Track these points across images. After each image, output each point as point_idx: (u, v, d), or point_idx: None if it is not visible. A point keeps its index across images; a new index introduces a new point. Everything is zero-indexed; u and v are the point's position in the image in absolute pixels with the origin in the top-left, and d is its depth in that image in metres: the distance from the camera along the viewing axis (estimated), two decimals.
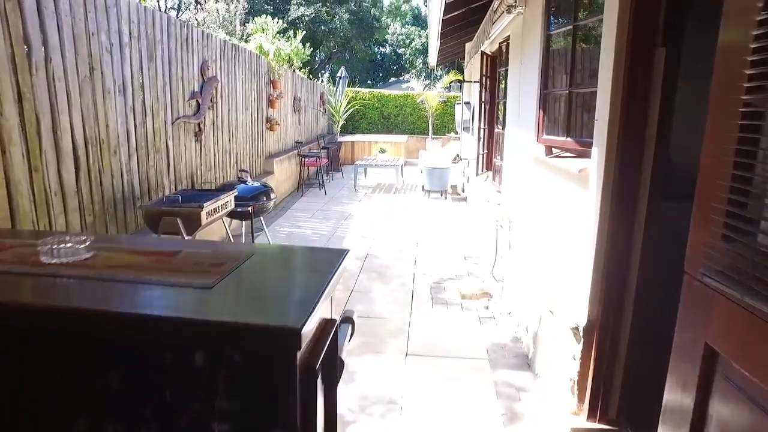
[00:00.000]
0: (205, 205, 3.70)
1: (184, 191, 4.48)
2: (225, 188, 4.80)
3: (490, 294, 4.68)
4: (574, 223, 2.54)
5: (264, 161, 8.36)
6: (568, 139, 2.70)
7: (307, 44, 13.16)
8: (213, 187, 5.40)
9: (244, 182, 4.97)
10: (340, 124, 13.01)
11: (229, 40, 9.77)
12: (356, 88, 17.20)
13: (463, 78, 10.75)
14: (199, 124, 5.59)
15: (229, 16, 13.17)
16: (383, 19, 40.83)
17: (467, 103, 8.87)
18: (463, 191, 9.82)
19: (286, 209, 8.40)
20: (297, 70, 12.38)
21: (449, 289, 4.83)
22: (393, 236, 6.76)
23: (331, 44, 27.34)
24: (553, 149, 3.09)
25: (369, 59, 36.44)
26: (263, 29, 10.44)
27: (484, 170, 6.81)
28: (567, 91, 2.71)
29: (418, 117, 17.18)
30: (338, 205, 8.79)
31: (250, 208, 4.71)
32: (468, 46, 9.41)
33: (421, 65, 45.83)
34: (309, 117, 12.65)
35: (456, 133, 16.53)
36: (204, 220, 3.69)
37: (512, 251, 4.18)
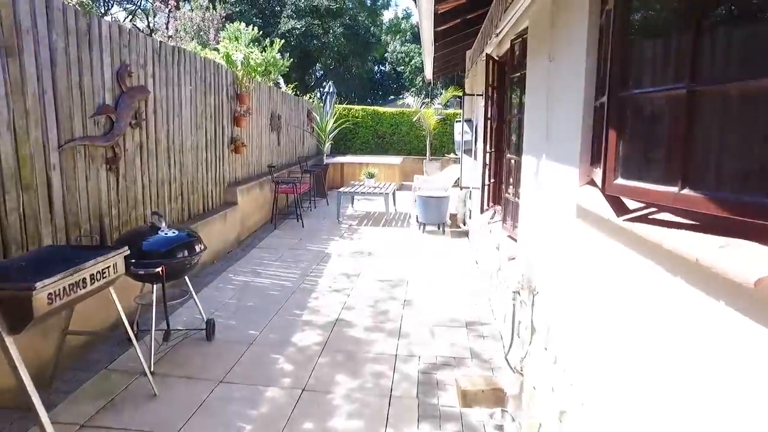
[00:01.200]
0: (45, 282, 2.28)
1: (48, 249, 3.05)
2: (124, 241, 3.38)
3: (503, 392, 3.23)
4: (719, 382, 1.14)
5: (225, 190, 6.96)
6: (691, 193, 1.28)
7: (292, 59, 11.90)
8: (105, 240, 3.98)
9: (158, 230, 3.55)
10: (326, 145, 11.70)
11: (199, 50, 8.49)
12: (348, 105, 15.95)
13: (464, 92, 9.41)
14: (113, 148, 4.20)
15: (206, 25, 11.94)
16: (383, 37, 40.06)
17: (468, 121, 7.51)
18: (464, 224, 8.40)
19: (252, 247, 6.98)
20: (276, 84, 11.09)
21: (445, 383, 3.38)
22: (375, 289, 5.33)
23: (329, 61, 26.28)
24: (625, 200, 1.69)
25: (367, 77, 35.41)
26: (236, 37, 9.16)
27: (491, 205, 5.40)
28: (684, 90, 1.31)
29: (415, 136, 15.86)
30: (315, 242, 7.37)
31: (159, 270, 3.28)
32: (468, 54, 8.08)
33: (420, 83, 44.99)
34: (292, 137, 11.31)
35: (455, 154, 15.20)
36: (42, 308, 2.26)
37: (546, 348, 2.74)
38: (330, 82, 13.19)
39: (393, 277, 5.75)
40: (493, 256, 4.72)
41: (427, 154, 14.49)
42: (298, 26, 19.37)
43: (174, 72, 5.29)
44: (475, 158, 7.18)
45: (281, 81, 11.80)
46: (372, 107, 16.24)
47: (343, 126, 12.52)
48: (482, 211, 5.40)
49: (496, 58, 5.16)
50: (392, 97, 35.90)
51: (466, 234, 8.00)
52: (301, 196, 9.49)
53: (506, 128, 4.88)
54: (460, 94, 13.87)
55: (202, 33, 11.65)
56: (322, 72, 30.03)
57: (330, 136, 11.66)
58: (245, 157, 7.93)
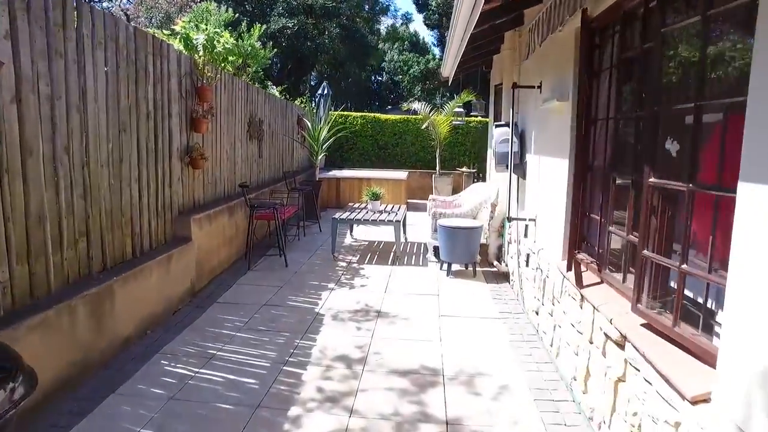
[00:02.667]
0: None
1: None
2: None
3: None
4: None
5: (173, 221, 4.90)
6: None
7: (289, 65, 9.94)
8: None
9: None
10: (320, 157, 9.70)
11: (158, 33, 6.46)
12: (345, 112, 13.96)
13: (495, 88, 7.45)
14: None
15: (174, 13, 9.96)
16: (380, 46, 38.38)
17: (502, 125, 5.51)
18: (498, 260, 6.36)
19: (212, 301, 4.90)
20: (262, 84, 9.08)
21: None
22: (393, 396, 3.26)
23: (324, 67, 24.38)
24: None
25: (364, 85, 33.54)
26: (204, 19, 7.15)
27: (574, 252, 3.38)
28: None
29: (422, 147, 13.87)
30: (302, 292, 5.30)
31: None
32: (508, 39, 6.12)
33: (420, 92, 43.28)
34: (278, 147, 9.28)
35: (470, 168, 13.21)
36: None
37: None
38: (325, 83, 11.21)
39: (418, 363, 3.69)
40: (580, 341, 2.67)
41: (437, 168, 12.49)
42: (290, 25, 17.42)
43: (69, 40, 3.26)
44: (524, 177, 5.16)
45: (274, 89, 9.80)
46: (372, 114, 14.27)
47: (340, 135, 10.54)
48: (570, 267, 3.34)
49: (594, 19, 3.16)
50: (389, 107, 34.15)
51: (505, 277, 5.96)
52: (286, 223, 7.43)
53: (596, 133, 2.86)
54: (473, 98, 11.92)
55: (171, 18, 9.65)
56: (316, 81, 28.13)
57: (324, 147, 9.67)
58: (209, 174, 5.88)
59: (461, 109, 8.65)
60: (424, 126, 12.12)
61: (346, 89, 28.92)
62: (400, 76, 42.75)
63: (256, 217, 6.39)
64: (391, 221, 6.60)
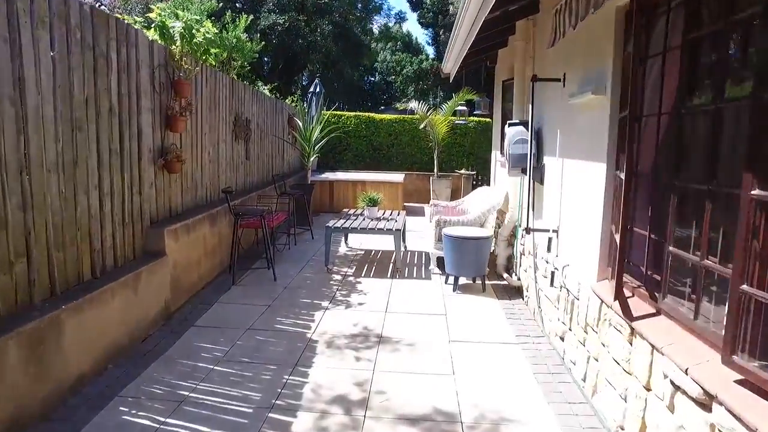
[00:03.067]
0: None
1: None
2: None
3: None
4: None
5: (144, 233, 4.27)
6: None
7: (279, 64, 9.32)
8: None
9: None
10: (312, 159, 9.08)
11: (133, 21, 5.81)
12: (338, 111, 13.36)
13: (491, 86, 6.90)
14: None
15: (155, 1, 9.31)
16: (373, 46, 37.87)
17: (516, 124, 4.92)
18: (508, 272, 5.79)
19: (189, 324, 4.28)
20: (251, 81, 8.47)
21: None
22: None
23: (316, 66, 23.72)
24: None
25: (357, 85, 32.97)
26: (184, 7, 6.53)
27: (621, 276, 2.81)
28: None
29: (419, 148, 13.29)
30: (292, 313, 4.69)
31: None
32: (520, 29, 5.54)
33: (413, 93, 42.86)
34: (267, 148, 8.66)
35: (469, 170, 12.65)
36: None
37: None
38: (317, 80, 10.60)
39: (430, 405, 3.09)
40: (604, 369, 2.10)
41: (435, 170, 11.91)
42: (281, 21, 16.75)
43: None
44: (541, 182, 4.59)
45: (264, 88, 9.17)
46: (366, 114, 13.67)
47: (333, 135, 9.93)
48: (617, 294, 2.76)
49: None
50: (382, 107, 33.64)
51: (518, 292, 5.39)
52: (276, 231, 6.82)
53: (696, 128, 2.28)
54: (472, 97, 11.36)
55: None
56: (308, 80, 27.42)
57: (316, 148, 9.06)
58: (188, 178, 5.26)
59: (464, 108, 8.06)
60: (422, 126, 11.54)
61: (338, 89, 28.33)
62: (393, 77, 42.29)
63: (241, 226, 5.77)
64: (391, 230, 5.99)
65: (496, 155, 7.59)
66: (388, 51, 44.53)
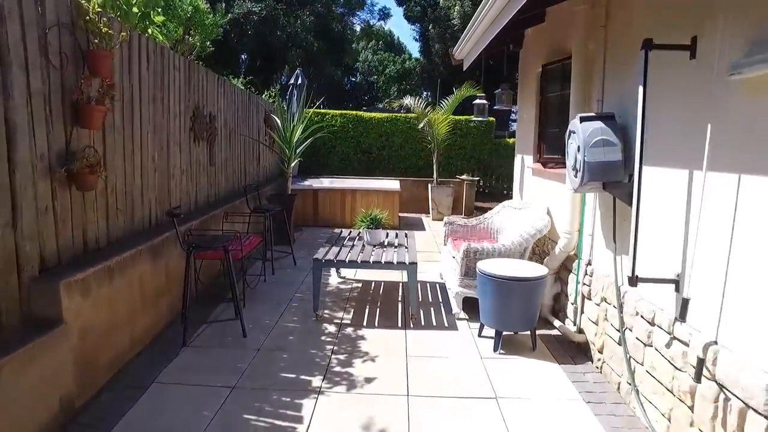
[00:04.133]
0: None
1: None
2: None
3: None
4: None
5: (24, 290, 2.65)
6: None
7: (249, 51, 7.73)
8: None
9: None
10: (293, 164, 7.49)
11: None
12: (321, 110, 11.78)
13: (509, 75, 5.46)
14: None
15: None
16: (354, 45, 36.51)
17: (593, 119, 3.41)
18: (559, 315, 4.28)
19: None
20: (233, 75, 6.88)
21: None
22: None
23: (297, 62, 22.05)
24: None
25: (338, 85, 31.37)
26: None
27: None
28: None
29: (413, 150, 11.78)
30: (266, 403, 3.10)
31: None
32: None
33: (396, 93, 41.60)
34: (238, 152, 7.04)
35: (471, 176, 11.18)
36: None
37: None
38: (299, 71, 8.97)
39: None
40: None
41: (434, 176, 10.40)
42: (257, 10, 15.08)
43: None
44: (630, 202, 3.06)
45: (239, 84, 7.52)
46: (354, 112, 12.12)
47: (318, 136, 8.36)
48: None
49: None
50: (364, 108, 32.21)
51: (578, 348, 3.90)
52: (246, 261, 5.22)
53: None
54: (475, 92, 9.90)
55: None
56: (287, 79, 25.66)
57: (298, 151, 7.50)
58: (116, 195, 3.64)
59: (483, 101, 6.56)
60: (420, 126, 10.02)
61: (319, 89, 26.64)
62: (375, 77, 40.93)
63: (198, 257, 4.18)
64: (404, 264, 4.42)
65: (523, 161, 6.12)
66: (370, 50, 43.25)
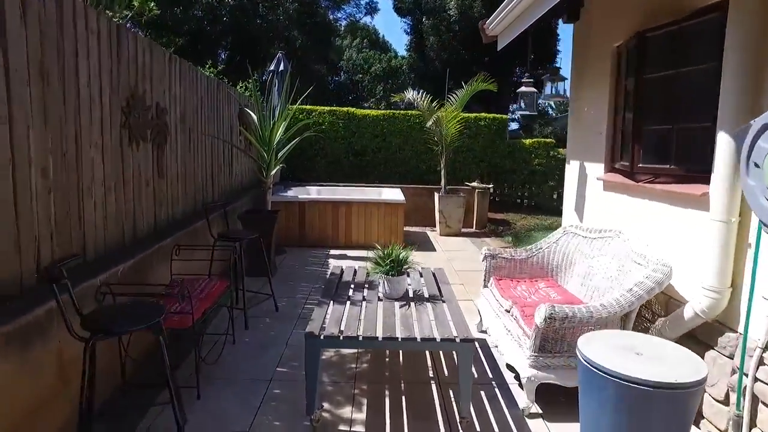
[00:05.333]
0: None
1: None
2: None
3: None
4: None
5: None
6: None
7: (227, 42, 6.04)
8: None
9: None
10: (273, 171, 5.81)
11: None
12: (307, 106, 10.13)
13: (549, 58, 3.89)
14: None
15: None
16: (338, 42, 35.03)
17: None
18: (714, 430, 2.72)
19: None
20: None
21: None
22: None
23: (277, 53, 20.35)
24: None
25: (323, 83, 29.65)
26: None
27: None
28: None
29: (414, 153, 10.19)
30: None
31: None
32: None
33: (381, 92, 40.14)
34: (202, 158, 5.34)
35: (483, 182, 9.62)
36: None
37: None
38: (280, 54, 7.22)
39: None
40: None
41: (442, 183, 8.80)
42: None
43: None
44: None
45: (207, 72, 5.82)
46: (345, 109, 10.48)
47: (306, 136, 6.66)
48: None
49: None
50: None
51: None
52: (206, 320, 3.50)
53: None
54: (489, 86, 8.35)
55: None
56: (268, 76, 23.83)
57: (280, 155, 5.86)
58: None
59: (531, 89, 4.98)
60: (428, 124, 8.41)
61: (301, 88, 24.82)
62: (360, 75, 39.36)
63: (118, 335, 2.50)
64: (450, 340, 2.75)
65: (584, 171, 4.56)
66: (354, 49, 41.65)
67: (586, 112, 4.53)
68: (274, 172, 5.93)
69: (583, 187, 4.57)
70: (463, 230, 8.81)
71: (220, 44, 18.71)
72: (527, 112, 4.86)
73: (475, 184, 9.43)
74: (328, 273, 4.01)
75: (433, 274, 3.93)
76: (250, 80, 6.89)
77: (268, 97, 6.42)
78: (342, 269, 4.04)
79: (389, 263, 3.21)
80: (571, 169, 4.86)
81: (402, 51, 39.58)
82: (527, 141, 10.07)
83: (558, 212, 9.80)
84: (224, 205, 5.17)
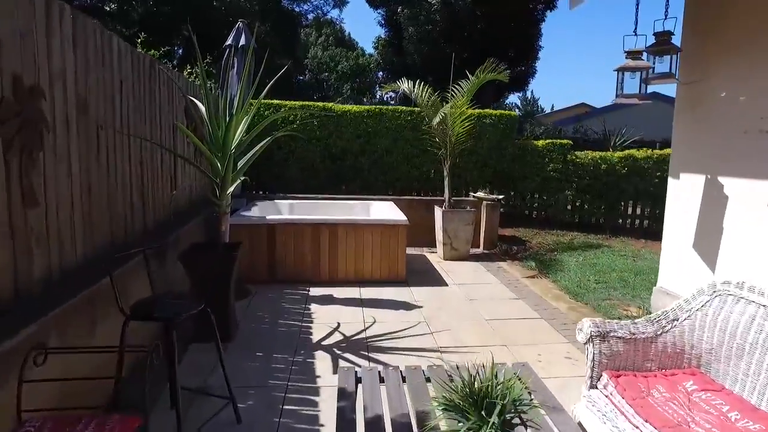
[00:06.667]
0: None
1: None
2: None
3: None
4: None
5: None
6: None
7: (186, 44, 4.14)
8: None
9: None
10: (231, 189, 4.00)
11: None
12: (274, 101, 8.30)
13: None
14: None
15: None
16: (303, 37, 33.22)
17: None
18: None
19: None
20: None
21: None
22: None
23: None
24: None
25: (287, 78, 27.55)
26: None
27: None
28: None
29: (404, 157, 8.48)
30: None
31: None
32: None
33: (348, 92, 38.58)
34: (121, 170, 3.44)
35: (489, 192, 7.98)
36: None
37: None
38: (241, 23, 5.29)
39: None
40: None
41: (446, 195, 7.11)
42: None
43: None
44: None
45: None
46: (321, 104, 8.67)
47: (279, 135, 4.82)
48: None
49: None
50: None
51: None
52: None
53: None
54: (498, 76, 6.75)
55: None
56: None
57: (242, 165, 4.07)
58: None
59: (641, 62, 3.34)
60: (435, 123, 6.67)
61: (264, 83, 22.66)
62: (326, 74, 37.56)
63: None
64: None
65: (717, 187, 2.93)
66: (320, 47, 39.82)
67: (726, 100, 2.90)
68: (231, 190, 4.09)
69: (717, 214, 2.94)
70: (471, 251, 7.16)
71: (173, 33, 16.57)
72: (629, 101, 3.21)
73: (482, 194, 7.80)
74: (336, 389, 2.20)
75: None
76: (199, 62, 4.99)
77: (223, 81, 4.58)
78: (357, 377, 2.25)
79: (485, 417, 1.44)
80: (684, 187, 3.24)
81: (370, 49, 37.85)
82: (539, 142, 8.51)
83: (574, 226, 8.34)
84: (158, 236, 3.33)
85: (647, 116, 18.40)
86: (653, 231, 8.64)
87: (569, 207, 8.65)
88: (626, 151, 8.43)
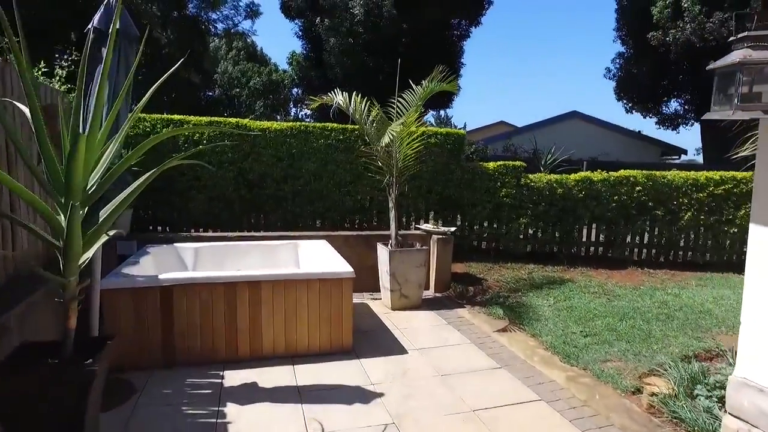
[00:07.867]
0: None
1: None
2: None
3: None
4: None
5: None
6: None
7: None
8: None
9: None
10: (92, 250, 2.48)
11: None
12: (174, 115, 6.68)
13: None
14: None
15: None
16: (212, 51, 31.12)
17: None
18: None
19: None
20: None
21: None
22: None
23: (141, 60, 16.08)
24: None
25: (194, 92, 25.21)
26: None
27: None
28: None
29: (335, 184, 7.12)
30: None
31: None
32: None
33: (262, 108, 36.89)
34: None
35: (437, 224, 6.82)
36: None
37: None
38: (112, 0, 3.74)
39: None
40: None
41: (393, 230, 5.84)
42: None
43: None
44: None
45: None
46: (234, 120, 7.13)
47: (170, 166, 3.32)
48: None
49: None
50: None
51: None
52: None
53: None
54: (449, 87, 5.70)
55: None
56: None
57: (105, 214, 2.57)
58: None
59: (761, 53, 2.34)
60: (384, 142, 5.35)
61: (166, 102, 20.25)
62: (237, 90, 35.54)
63: None
64: None
65: None
66: (230, 61, 37.77)
67: None
68: (89, 255, 2.53)
69: None
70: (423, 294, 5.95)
71: (56, 35, 14.15)
72: (720, 115, 2.10)
73: (429, 226, 6.63)
74: None
75: None
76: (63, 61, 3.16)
77: (88, 89, 3.04)
78: None
79: None
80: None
81: (284, 65, 36.24)
82: (490, 165, 7.52)
83: (528, 258, 7.41)
84: None
85: (572, 134, 18.48)
86: (608, 259, 7.97)
87: (521, 237, 7.73)
88: (581, 174, 7.69)
